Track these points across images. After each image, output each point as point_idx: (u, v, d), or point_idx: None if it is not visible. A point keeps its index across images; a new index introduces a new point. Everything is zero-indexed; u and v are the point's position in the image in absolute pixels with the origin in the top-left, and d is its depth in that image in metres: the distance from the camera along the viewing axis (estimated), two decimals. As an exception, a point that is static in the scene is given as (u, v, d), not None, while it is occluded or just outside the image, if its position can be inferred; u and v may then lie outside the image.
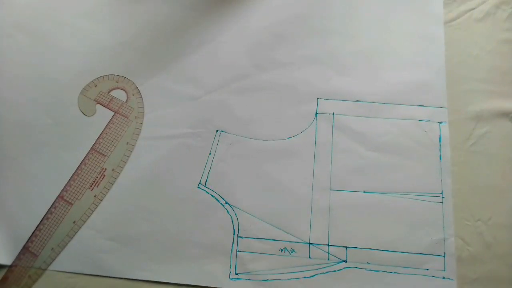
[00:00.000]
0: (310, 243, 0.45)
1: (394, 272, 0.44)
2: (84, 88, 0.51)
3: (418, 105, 0.49)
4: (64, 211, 0.47)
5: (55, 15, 0.54)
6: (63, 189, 0.48)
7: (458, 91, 0.49)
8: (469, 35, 0.51)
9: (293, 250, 0.45)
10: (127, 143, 0.49)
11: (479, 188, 0.46)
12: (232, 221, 0.46)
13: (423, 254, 0.44)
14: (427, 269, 0.44)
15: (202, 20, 0.53)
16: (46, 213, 0.47)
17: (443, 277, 0.43)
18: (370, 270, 0.44)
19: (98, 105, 0.50)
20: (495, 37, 0.51)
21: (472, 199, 0.46)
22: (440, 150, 0.47)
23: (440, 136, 0.48)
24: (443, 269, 0.44)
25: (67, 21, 0.54)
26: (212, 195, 0.47)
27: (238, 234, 0.46)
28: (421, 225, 0.45)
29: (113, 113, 0.50)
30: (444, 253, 0.44)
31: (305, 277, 0.44)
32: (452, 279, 0.43)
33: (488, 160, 0.47)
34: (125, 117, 0.50)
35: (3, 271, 0.45)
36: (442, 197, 0.46)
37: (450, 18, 0.52)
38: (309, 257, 0.45)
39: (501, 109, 0.48)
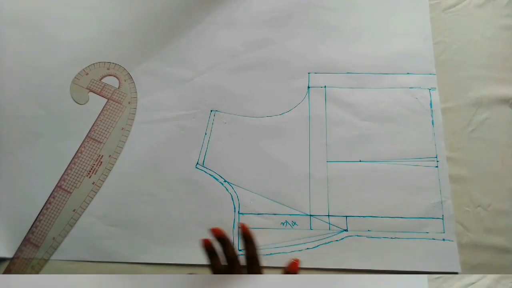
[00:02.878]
0: (310, 215, 0.45)
1: (395, 238, 0.44)
2: (75, 77, 0.51)
3: (408, 73, 0.50)
4: (63, 200, 0.47)
5: (44, 6, 0.54)
6: (60, 178, 0.47)
7: (458, 77, 0.49)
8: (469, 21, 0.51)
9: (295, 223, 0.45)
10: (122, 128, 0.49)
11: (479, 175, 0.46)
12: (232, 199, 0.46)
13: (422, 218, 0.45)
14: (427, 232, 0.44)
15: (191, 2, 0.53)
16: (45, 203, 0.47)
17: (443, 239, 0.44)
18: (371, 237, 0.44)
19: (91, 93, 0.50)
20: (495, 23, 0.51)
21: (472, 186, 0.46)
22: (432, 116, 0.48)
23: (431, 102, 0.48)
24: (443, 231, 0.44)
25: (56, 11, 0.54)
26: (210, 175, 0.47)
27: (239, 211, 0.46)
28: (418, 190, 0.46)
29: (106, 100, 0.50)
30: (443, 215, 0.45)
31: (308, 248, 0.44)
32: (451, 240, 0.44)
33: (488, 146, 0.47)
34: (119, 103, 0.50)
35: (6, 264, 0.45)
36: (437, 161, 0.46)
37: (450, 4, 0.52)
38: (311, 229, 0.45)
39: (501, 95, 0.48)
